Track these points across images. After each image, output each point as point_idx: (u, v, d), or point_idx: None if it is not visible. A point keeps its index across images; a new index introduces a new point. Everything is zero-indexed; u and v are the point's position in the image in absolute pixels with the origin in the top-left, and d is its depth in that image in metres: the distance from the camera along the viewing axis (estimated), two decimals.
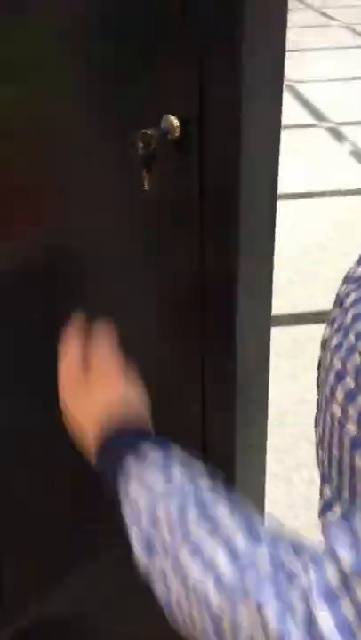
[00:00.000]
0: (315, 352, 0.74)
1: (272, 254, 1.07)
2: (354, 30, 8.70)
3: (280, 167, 0.99)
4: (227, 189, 0.92)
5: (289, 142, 3.31)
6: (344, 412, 0.63)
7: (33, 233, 1.17)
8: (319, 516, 0.72)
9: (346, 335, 0.63)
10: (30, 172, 1.11)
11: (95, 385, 0.82)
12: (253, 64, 0.86)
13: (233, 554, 0.58)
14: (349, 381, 0.61)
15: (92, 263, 1.12)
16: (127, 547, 0.69)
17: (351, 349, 0.61)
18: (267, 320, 1.13)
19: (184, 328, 1.07)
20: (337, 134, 5.50)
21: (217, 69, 0.86)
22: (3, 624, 2.14)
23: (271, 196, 1.01)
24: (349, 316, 0.63)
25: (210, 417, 1.12)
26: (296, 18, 8.64)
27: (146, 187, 0.92)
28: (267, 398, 1.24)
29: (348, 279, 0.69)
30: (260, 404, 1.22)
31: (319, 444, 0.70)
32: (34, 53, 1.02)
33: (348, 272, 0.70)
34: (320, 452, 0.70)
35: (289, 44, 0.99)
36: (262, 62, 0.89)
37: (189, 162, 0.92)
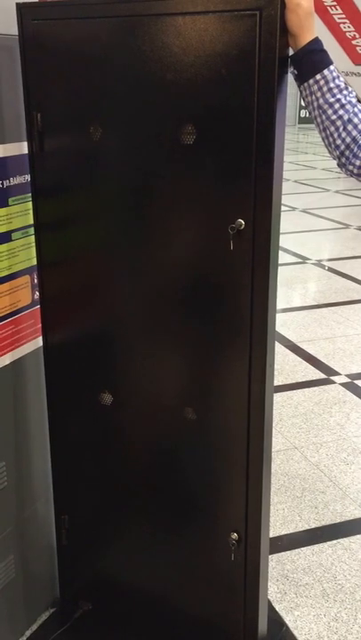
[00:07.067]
0: None
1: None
2: None
3: None
4: (263, 250, 2.22)
5: None
6: None
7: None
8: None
9: None
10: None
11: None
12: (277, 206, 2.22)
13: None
14: None
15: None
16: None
17: None
18: None
19: None
20: None
21: (260, 210, 2.18)
22: (65, 581, 2.89)
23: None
24: None
25: None
26: None
27: (231, 247, 2.28)
28: None
29: None
30: None
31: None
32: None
33: None
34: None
35: None
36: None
37: (248, 240, 2.26)
